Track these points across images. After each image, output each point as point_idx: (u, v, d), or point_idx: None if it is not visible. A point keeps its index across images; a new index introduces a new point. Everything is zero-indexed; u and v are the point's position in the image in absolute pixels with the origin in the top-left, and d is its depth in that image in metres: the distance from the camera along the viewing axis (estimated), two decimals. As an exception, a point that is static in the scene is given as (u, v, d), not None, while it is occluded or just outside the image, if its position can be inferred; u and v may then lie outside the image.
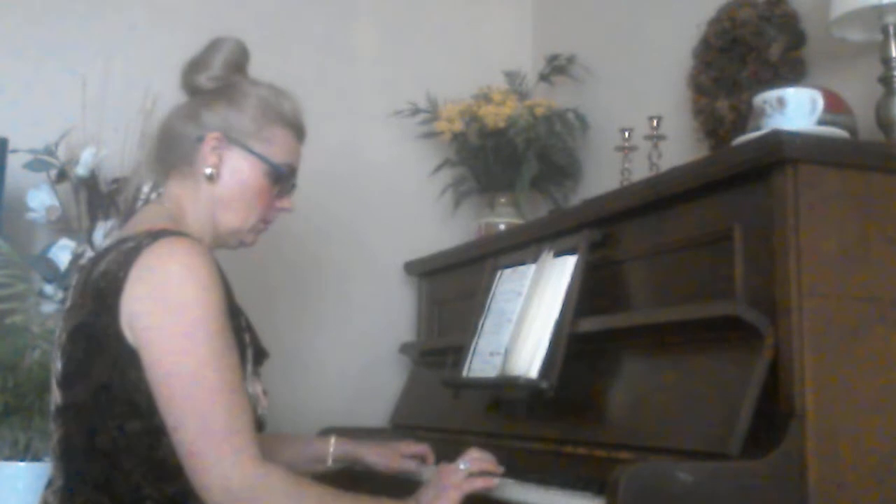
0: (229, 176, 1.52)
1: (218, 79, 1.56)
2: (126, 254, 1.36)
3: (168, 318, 1.32)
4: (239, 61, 1.60)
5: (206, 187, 1.52)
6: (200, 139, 1.51)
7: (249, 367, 1.47)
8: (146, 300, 1.33)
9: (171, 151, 1.55)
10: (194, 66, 1.58)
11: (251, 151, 1.53)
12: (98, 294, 1.35)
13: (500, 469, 1.56)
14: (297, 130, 1.60)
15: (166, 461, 1.33)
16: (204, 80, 1.56)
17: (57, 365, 1.41)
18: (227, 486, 1.28)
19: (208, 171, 1.51)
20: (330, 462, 1.82)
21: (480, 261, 2.23)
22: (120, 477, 1.34)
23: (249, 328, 1.53)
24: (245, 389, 1.37)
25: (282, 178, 1.56)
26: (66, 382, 1.39)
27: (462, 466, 1.50)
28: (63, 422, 1.40)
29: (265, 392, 1.51)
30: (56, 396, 1.42)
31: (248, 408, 1.36)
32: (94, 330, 1.35)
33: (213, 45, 1.59)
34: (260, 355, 1.54)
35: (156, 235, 1.38)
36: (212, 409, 1.30)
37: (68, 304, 1.45)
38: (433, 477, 1.50)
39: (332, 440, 1.84)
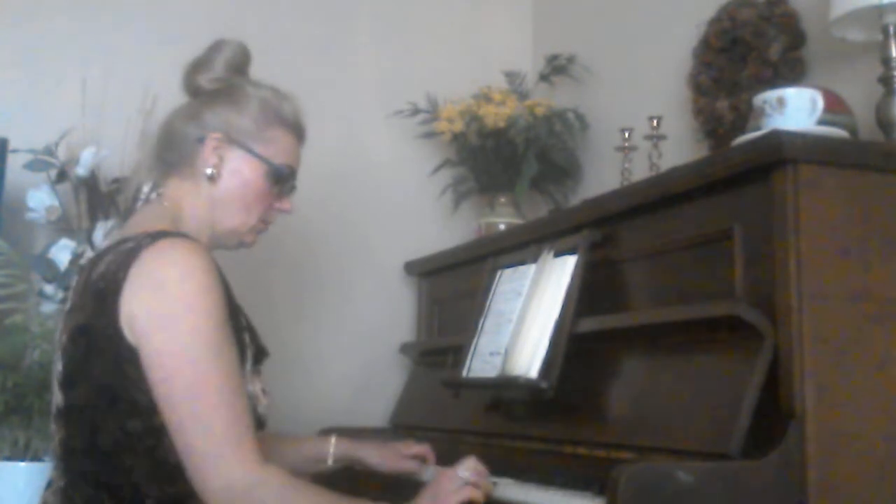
0: (229, 176, 1.53)
1: (219, 80, 1.57)
2: (125, 255, 1.36)
3: (168, 319, 1.32)
4: (240, 63, 1.60)
5: (206, 187, 1.52)
6: (201, 139, 1.52)
7: (249, 366, 1.48)
8: (145, 301, 1.33)
9: (171, 151, 1.55)
10: (196, 67, 1.58)
11: (252, 152, 1.53)
12: (97, 295, 1.36)
13: (492, 481, 1.55)
14: (298, 132, 1.61)
15: (167, 461, 1.34)
16: (205, 81, 1.57)
17: (58, 366, 1.42)
18: (228, 486, 1.29)
19: (209, 171, 1.51)
20: (330, 462, 1.83)
21: (480, 261, 2.22)
22: (121, 477, 1.34)
23: (249, 327, 1.54)
24: (245, 390, 1.37)
25: (281, 180, 1.57)
26: (67, 383, 1.39)
27: (461, 475, 1.50)
28: (65, 423, 1.40)
29: (265, 391, 1.51)
30: (57, 398, 1.42)
31: (249, 408, 1.36)
32: (95, 330, 1.35)
33: (215, 47, 1.60)
34: (260, 354, 1.54)
35: (154, 236, 1.38)
36: (213, 411, 1.30)
37: (68, 305, 1.45)
38: (431, 482, 1.50)
39: (333, 440, 1.84)
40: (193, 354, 1.31)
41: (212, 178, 1.52)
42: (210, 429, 1.30)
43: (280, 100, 1.58)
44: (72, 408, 1.38)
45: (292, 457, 1.78)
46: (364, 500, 1.42)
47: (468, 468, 1.51)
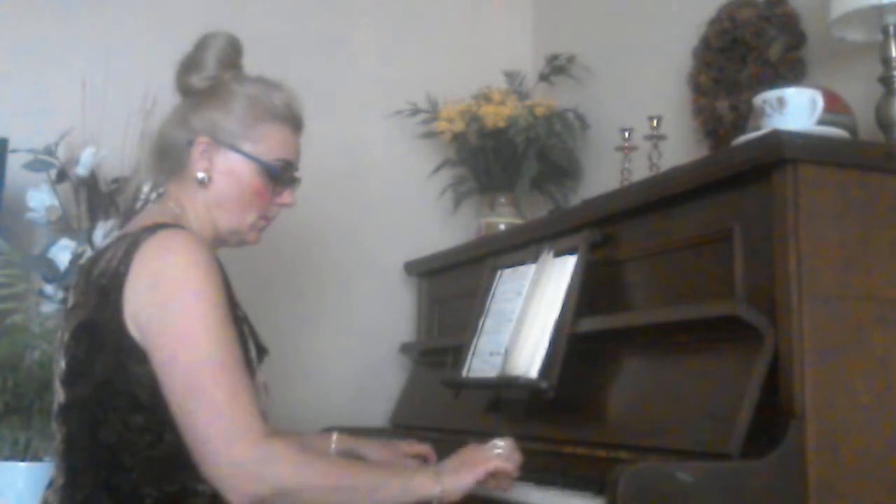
0: (222, 178, 1.52)
1: (211, 78, 1.55)
2: (125, 249, 1.38)
3: (169, 303, 1.33)
4: (231, 57, 1.58)
5: (201, 191, 1.52)
6: (190, 143, 1.51)
7: (254, 354, 1.49)
8: (148, 291, 1.34)
9: (166, 158, 1.56)
10: (187, 67, 1.57)
11: (241, 152, 1.52)
12: (100, 291, 1.37)
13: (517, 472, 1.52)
14: (291, 123, 1.58)
15: (167, 459, 1.34)
16: (197, 80, 1.55)
17: (60, 364, 1.42)
18: (234, 459, 1.28)
19: (200, 175, 1.51)
20: None
21: (480, 261, 2.23)
22: (120, 474, 1.35)
23: (248, 322, 1.54)
24: (244, 369, 1.36)
25: (276, 175, 1.55)
26: (69, 380, 1.40)
27: (498, 446, 1.47)
28: (66, 420, 1.40)
29: (266, 386, 1.52)
30: (59, 395, 1.42)
31: (250, 385, 1.35)
32: (98, 326, 1.36)
33: (204, 43, 1.57)
34: (260, 352, 1.54)
35: (153, 229, 1.39)
36: (214, 387, 1.30)
37: (70, 303, 1.46)
38: (459, 451, 1.47)
39: (334, 437, 1.84)
40: (193, 336, 1.31)
41: (203, 182, 1.51)
42: (212, 406, 1.29)
43: (269, 93, 1.55)
44: (73, 403, 1.39)
45: None
46: (376, 466, 1.41)
47: (505, 442, 1.49)
